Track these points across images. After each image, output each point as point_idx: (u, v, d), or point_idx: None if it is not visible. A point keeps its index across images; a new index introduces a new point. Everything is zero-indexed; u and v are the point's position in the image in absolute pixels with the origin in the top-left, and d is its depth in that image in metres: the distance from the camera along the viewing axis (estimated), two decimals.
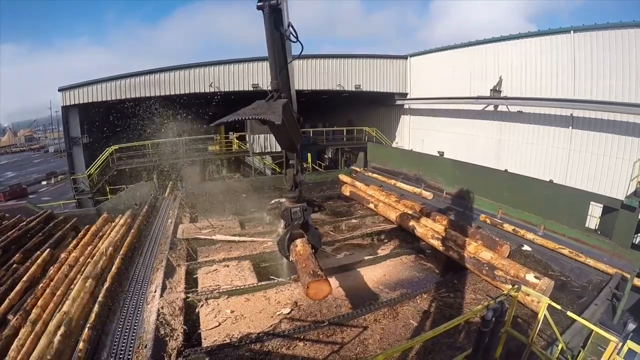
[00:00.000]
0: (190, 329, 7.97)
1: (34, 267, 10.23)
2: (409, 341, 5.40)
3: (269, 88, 6.96)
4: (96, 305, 8.40)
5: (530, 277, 8.98)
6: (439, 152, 25.95)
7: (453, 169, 16.92)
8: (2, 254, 11.02)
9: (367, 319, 8.22)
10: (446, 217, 13.55)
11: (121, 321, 8.21)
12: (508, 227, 12.75)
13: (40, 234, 12.73)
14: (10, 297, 8.78)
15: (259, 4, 6.18)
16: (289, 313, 8.47)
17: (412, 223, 13.13)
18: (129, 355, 7.04)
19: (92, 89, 22.74)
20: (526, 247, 11.80)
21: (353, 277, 10.33)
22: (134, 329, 7.83)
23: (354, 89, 29.32)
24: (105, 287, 9.21)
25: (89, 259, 10.89)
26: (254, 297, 9.23)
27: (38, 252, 11.19)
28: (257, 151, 25.46)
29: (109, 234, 13.00)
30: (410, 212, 14.44)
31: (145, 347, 7.07)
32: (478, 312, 6.06)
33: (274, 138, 21.33)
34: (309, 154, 28.40)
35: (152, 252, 11.95)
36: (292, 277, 9.76)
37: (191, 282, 10.07)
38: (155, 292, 9.17)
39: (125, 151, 23.97)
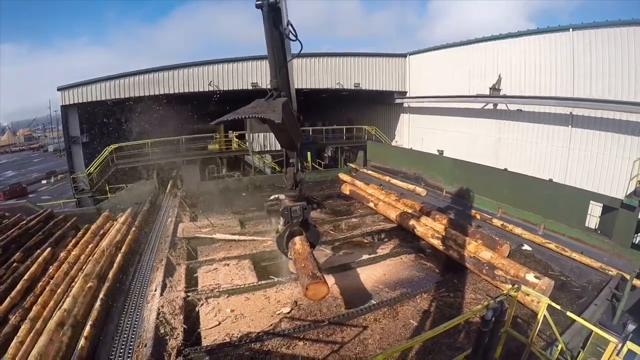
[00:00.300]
0: (190, 328, 7.99)
1: (35, 265, 10.22)
2: (408, 341, 5.40)
3: (269, 87, 6.99)
4: (97, 304, 8.40)
5: (530, 276, 8.99)
6: (438, 150, 25.96)
7: (453, 167, 16.91)
8: (2, 253, 11.01)
9: (367, 318, 8.24)
10: (446, 216, 13.56)
11: (121, 320, 8.24)
12: (508, 226, 12.75)
13: (40, 233, 12.72)
14: (11, 295, 8.79)
15: (257, 2, 6.18)
16: (289, 312, 8.48)
17: (412, 222, 13.13)
18: (129, 353, 7.05)
19: (91, 88, 22.71)
20: (526, 247, 11.80)
21: (353, 276, 10.34)
22: (134, 328, 7.84)
23: (353, 88, 29.30)
24: (105, 285, 9.22)
25: (89, 258, 10.90)
26: (254, 296, 9.24)
27: (38, 251, 11.18)
28: (257, 150, 25.47)
29: (110, 232, 12.99)
30: (410, 211, 14.44)
31: (145, 345, 7.09)
32: (478, 312, 6.05)
33: (273, 137, 21.37)
34: (309, 153, 28.40)
35: (153, 251, 11.96)
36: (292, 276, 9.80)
37: (191, 281, 10.09)
38: (155, 290, 9.19)
39: (125, 150, 23.95)
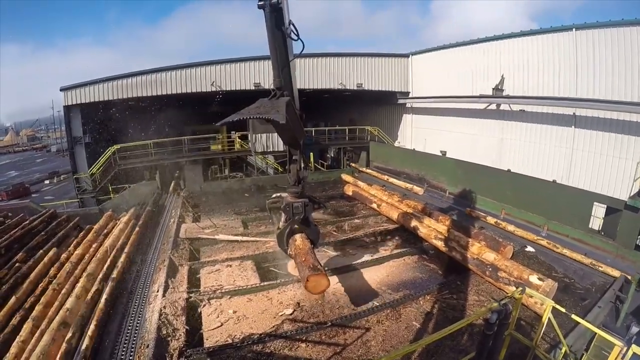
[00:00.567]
0: (193, 329, 7.97)
1: (40, 266, 10.22)
2: (412, 344, 5.36)
3: (272, 87, 7.04)
4: (99, 304, 8.40)
5: (534, 278, 8.95)
6: (441, 151, 25.86)
7: (455, 168, 16.88)
8: (5, 253, 11.04)
9: (370, 320, 8.21)
10: (449, 218, 13.51)
11: (124, 320, 8.24)
12: (511, 227, 12.70)
13: (43, 233, 12.76)
14: (17, 295, 8.81)
15: (260, 3, 6.21)
16: (291, 314, 8.46)
17: (415, 223, 13.10)
18: (131, 354, 7.05)
19: (94, 88, 22.66)
20: (529, 248, 11.75)
21: (356, 277, 10.31)
22: (136, 329, 7.84)
23: (356, 88, 29.18)
24: (108, 285, 9.22)
25: (92, 257, 10.90)
26: (256, 297, 9.22)
27: (41, 252, 11.19)
28: (260, 150, 25.43)
29: (113, 232, 13.00)
30: (413, 212, 14.40)
31: (147, 346, 7.07)
32: (482, 315, 6.02)
33: (276, 137, 21.32)
34: (311, 153, 28.31)
35: (155, 251, 11.96)
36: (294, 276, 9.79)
37: (194, 281, 10.08)
38: (157, 291, 9.17)
39: (128, 150, 23.93)
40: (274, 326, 8.01)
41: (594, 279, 9.92)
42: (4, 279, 9.58)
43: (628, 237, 10.56)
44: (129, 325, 7.99)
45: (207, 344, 7.42)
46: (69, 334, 7.25)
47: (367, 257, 11.64)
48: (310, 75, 27.41)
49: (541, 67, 21.07)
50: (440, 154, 23.39)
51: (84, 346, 6.95)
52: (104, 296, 8.74)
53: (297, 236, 8.64)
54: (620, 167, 17.57)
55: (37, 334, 7.27)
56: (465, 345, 7.19)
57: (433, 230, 12.41)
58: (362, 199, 17.70)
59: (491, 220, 13.51)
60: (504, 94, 22.82)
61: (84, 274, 9.61)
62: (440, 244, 11.61)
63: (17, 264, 10.38)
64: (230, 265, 10.96)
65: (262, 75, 25.41)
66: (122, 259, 10.87)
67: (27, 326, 7.47)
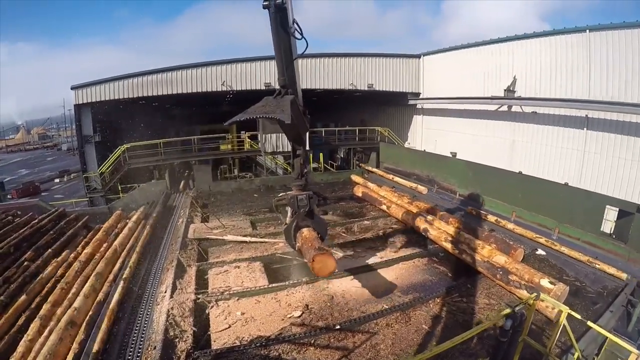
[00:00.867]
0: (200, 330, 7.94)
1: (50, 267, 10.23)
2: (425, 353, 5.25)
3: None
4: (110, 304, 8.40)
5: (545, 282, 8.83)
6: (451, 152, 25.68)
7: (466, 170, 16.75)
8: (14, 252, 11.07)
9: (379, 323, 8.12)
10: (459, 220, 13.39)
11: (131, 321, 8.23)
12: (522, 231, 12.57)
13: (52, 232, 12.80)
14: (27, 294, 8.83)
15: (264, 3, 6.26)
16: (299, 316, 8.40)
17: (425, 225, 12.97)
18: (138, 356, 7.02)
19: (105, 87, 22.74)
20: (540, 251, 11.61)
21: (365, 279, 10.19)
22: (144, 330, 7.82)
23: (366, 89, 29.06)
24: (116, 285, 9.23)
25: (101, 257, 10.91)
26: (264, 299, 9.17)
27: (50, 250, 11.23)
28: (269, 151, 25.40)
29: (122, 231, 13.02)
30: (423, 214, 14.27)
31: (155, 348, 7.05)
32: (496, 321, 5.94)
33: (286, 138, 21.32)
34: (321, 154, 28.24)
35: (163, 251, 11.96)
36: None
37: (202, 282, 10.05)
38: (165, 292, 9.17)
39: (137, 150, 23.99)
40: (282, 328, 7.95)
41: (606, 282, 9.76)
42: (13, 277, 9.60)
43: None
44: (137, 326, 7.97)
45: (215, 345, 7.38)
46: (77, 334, 7.26)
47: (376, 259, 11.55)
48: (321, 75, 27.34)
49: (554, 68, 20.85)
50: (451, 156, 23.21)
51: (94, 348, 6.94)
52: (115, 296, 8.74)
53: (305, 229, 8.69)
54: (633, 170, 17.35)
55: (45, 333, 7.26)
56: (475, 349, 7.09)
57: (443, 232, 12.29)
58: (371, 200, 17.60)
59: (502, 222, 13.37)
60: (516, 95, 22.61)
61: (93, 274, 9.62)
62: (450, 247, 11.49)
63: (25, 263, 10.41)
64: (239, 267, 10.91)
65: (273, 75, 25.35)
66: (131, 258, 10.87)
67: (34, 325, 7.47)
